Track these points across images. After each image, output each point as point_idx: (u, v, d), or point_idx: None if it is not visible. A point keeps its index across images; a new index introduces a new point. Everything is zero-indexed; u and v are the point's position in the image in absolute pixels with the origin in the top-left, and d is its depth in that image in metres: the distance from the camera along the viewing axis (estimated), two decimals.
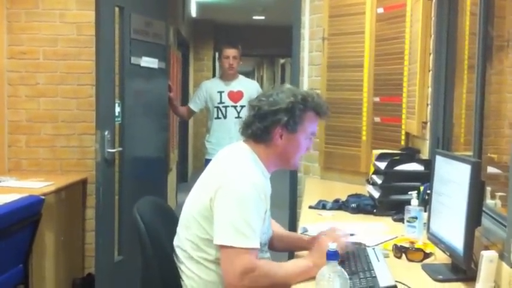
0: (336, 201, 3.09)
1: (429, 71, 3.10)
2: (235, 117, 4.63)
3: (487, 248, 1.87)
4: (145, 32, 4.03)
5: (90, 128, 4.14)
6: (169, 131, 5.05)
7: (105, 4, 3.59)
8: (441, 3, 2.98)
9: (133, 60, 3.89)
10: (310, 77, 4.26)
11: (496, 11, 2.42)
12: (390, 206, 2.85)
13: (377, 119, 3.77)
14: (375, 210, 2.91)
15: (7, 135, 4.27)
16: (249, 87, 4.80)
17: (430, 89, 3.09)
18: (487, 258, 1.70)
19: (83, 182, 4.24)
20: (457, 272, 1.90)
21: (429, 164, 2.56)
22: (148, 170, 4.18)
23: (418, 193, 2.53)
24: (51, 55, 4.26)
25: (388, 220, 2.77)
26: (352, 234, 2.38)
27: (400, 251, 2.14)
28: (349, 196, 3.14)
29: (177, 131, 7.66)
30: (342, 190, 3.41)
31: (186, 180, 9.03)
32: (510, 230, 1.73)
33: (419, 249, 2.12)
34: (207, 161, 4.29)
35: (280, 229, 2.33)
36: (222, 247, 1.90)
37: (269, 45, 10.82)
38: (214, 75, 10.20)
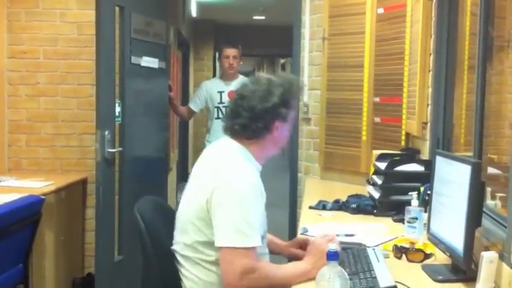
0: (336, 201, 3.09)
1: (429, 71, 3.09)
2: None
3: (487, 248, 1.87)
4: (146, 32, 4.03)
5: (90, 127, 4.15)
6: (169, 131, 5.04)
7: (105, 4, 3.59)
8: (441, 4, 2.98)
9: (134, 59, 3.90)
10: (311, 77, 4.26)
11: (497, 11, 2.42)
12: (390, 206, 2.85)
13: (377, 119, 3.77)
14: (375, 211, 2.91)
15: (7, 135, 4.27)
16: None
17: (430, 89, 3.09)
18: (487, 259, 1.70)
19: (83, 182, 4.24)
20: (457, 273, 1.90)
21: (429, 165, 2.56)
22: (148, 169, 4.18)
23: (418, 194, 2.53)
24: (52, 54, 4.26)
25: (388, 220, 2.77)
26: (352, 235, 2.38)
27: (400, 251, 2.14)
28: (349, 196, 3.14)
29: (177, 130, 7.65)
30: (342, 190, 3.41)
31: (186, 180, 8.90)
32: (510, 231, 1.73)
33: (419, 250, 2.12)
34: None
35: None
36: (222, 248, 1.89)
37: (269, 45, 10.80)
38: (214, 75, 10.19)
